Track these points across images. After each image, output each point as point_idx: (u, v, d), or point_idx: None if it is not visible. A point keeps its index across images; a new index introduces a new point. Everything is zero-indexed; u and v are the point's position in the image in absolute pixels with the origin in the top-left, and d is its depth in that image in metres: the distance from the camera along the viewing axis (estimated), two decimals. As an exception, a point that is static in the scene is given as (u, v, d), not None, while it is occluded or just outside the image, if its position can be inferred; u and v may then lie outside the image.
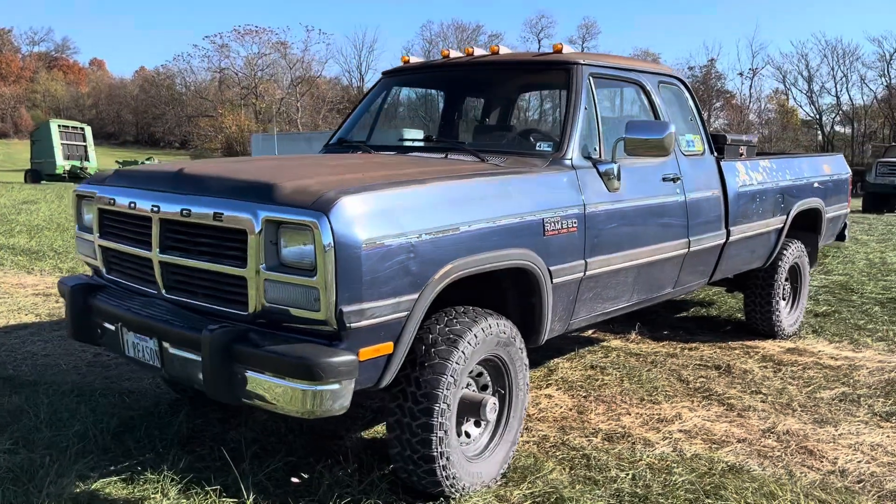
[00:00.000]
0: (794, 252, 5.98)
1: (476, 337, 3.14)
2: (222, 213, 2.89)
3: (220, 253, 2.95)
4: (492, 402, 3.28)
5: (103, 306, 3.42)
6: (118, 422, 3.95)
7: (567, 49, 4.18)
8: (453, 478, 3.13)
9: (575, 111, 3.90)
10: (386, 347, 2.87)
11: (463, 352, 3.08)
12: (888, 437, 4.10)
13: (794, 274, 6.19)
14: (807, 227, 6.22)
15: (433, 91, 5.05)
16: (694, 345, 5.88)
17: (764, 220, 5.40)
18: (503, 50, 4.44)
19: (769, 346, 5.86)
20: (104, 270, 3.62)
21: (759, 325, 6.01)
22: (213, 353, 2.77)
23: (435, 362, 3.02)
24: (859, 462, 3.76)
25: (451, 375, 3.03)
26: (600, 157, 3.93)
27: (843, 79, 67.15)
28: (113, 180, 3.60)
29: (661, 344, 5.89)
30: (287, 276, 2.73)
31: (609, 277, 3.96)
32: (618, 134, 3.97)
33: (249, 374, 2.78)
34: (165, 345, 3.07)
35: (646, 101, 4.51)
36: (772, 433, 4.10)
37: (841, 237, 6.95)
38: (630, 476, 3.51)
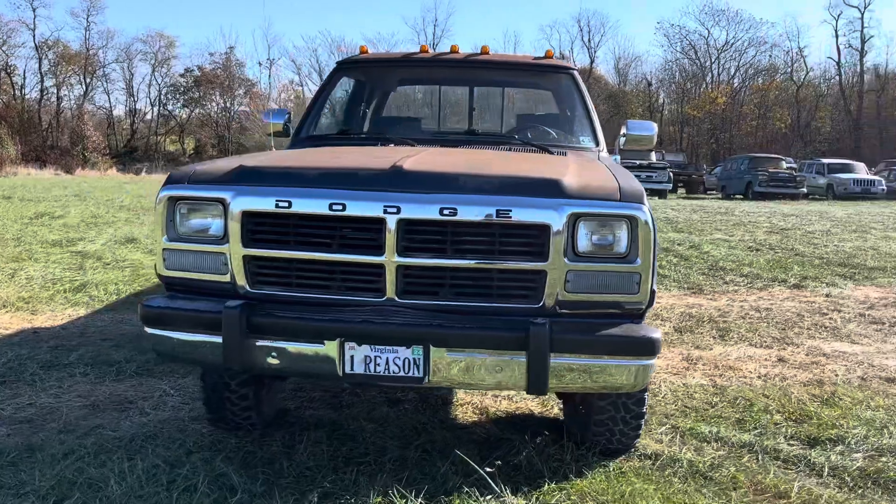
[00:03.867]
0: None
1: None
2: (509, 210, 2.90)
3: (499, 250, 2.94)
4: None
5: (299, 324, 2.96)
6: (224, 462, 3.33)
7: (555, 55, 4.77)
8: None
9: (593, 110, 4.54)
10: (636, 322, 3.25)
11: (643, 319, 3.59)
12: (747, 349, 5.72)
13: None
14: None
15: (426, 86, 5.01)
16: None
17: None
18: (490, 50, 4.77)
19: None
20: (247, 285, 3.06)
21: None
22: (544, 347, 2.82)
23: None
24: (762, 369, 5.24)
25: (647, 341, 3.52)
26: (603, 149, 4.64)
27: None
28: (257, 180, 3.07)
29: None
30: (599, 266, 2.93)
31: None
32: None
33: (569, 361, 2.91)
34: (439, 350, 2.91)
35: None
36: (693, 360, 5.38)
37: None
38: (704, 406, 4.37)
